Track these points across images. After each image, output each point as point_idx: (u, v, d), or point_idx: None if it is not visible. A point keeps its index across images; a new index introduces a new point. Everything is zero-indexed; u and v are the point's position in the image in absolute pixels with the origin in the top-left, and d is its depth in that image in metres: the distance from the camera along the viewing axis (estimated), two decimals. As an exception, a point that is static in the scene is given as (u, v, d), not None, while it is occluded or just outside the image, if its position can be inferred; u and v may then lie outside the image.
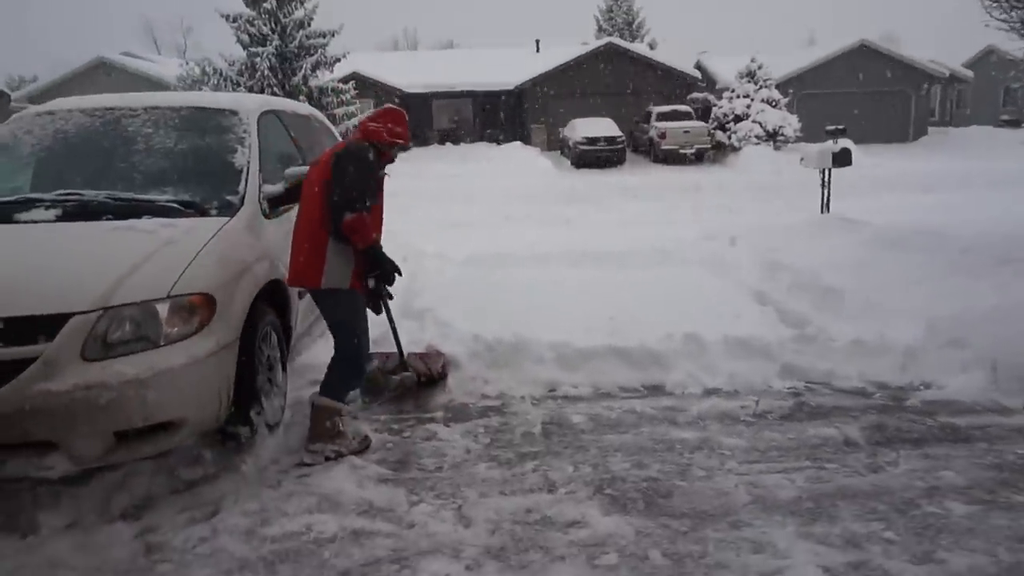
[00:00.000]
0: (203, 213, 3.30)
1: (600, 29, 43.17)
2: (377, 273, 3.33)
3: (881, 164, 18.70)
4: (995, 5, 6.38)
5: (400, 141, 3.48)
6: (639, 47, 29.79)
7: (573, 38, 36.14)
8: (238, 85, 18.87)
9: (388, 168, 3.53)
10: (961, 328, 4.25)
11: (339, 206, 3.14)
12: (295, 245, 3.33)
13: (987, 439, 3.32)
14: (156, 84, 26.54)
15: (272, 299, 3.46)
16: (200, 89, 19.92)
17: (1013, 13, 6.39)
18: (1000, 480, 2.94)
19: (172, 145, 3.72)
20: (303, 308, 4.00)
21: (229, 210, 3.37)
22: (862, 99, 26.51)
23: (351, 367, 3.37)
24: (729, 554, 2.47)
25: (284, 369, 3.64)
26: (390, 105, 3.66)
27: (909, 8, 69.36)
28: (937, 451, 3.21)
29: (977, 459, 3.12)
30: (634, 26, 43.53)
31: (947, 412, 3.64)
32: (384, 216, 3.60)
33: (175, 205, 3.28)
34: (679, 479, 3.00)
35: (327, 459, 3.17)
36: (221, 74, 19.25)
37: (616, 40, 28.93)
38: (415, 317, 5.01)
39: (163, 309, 2.72)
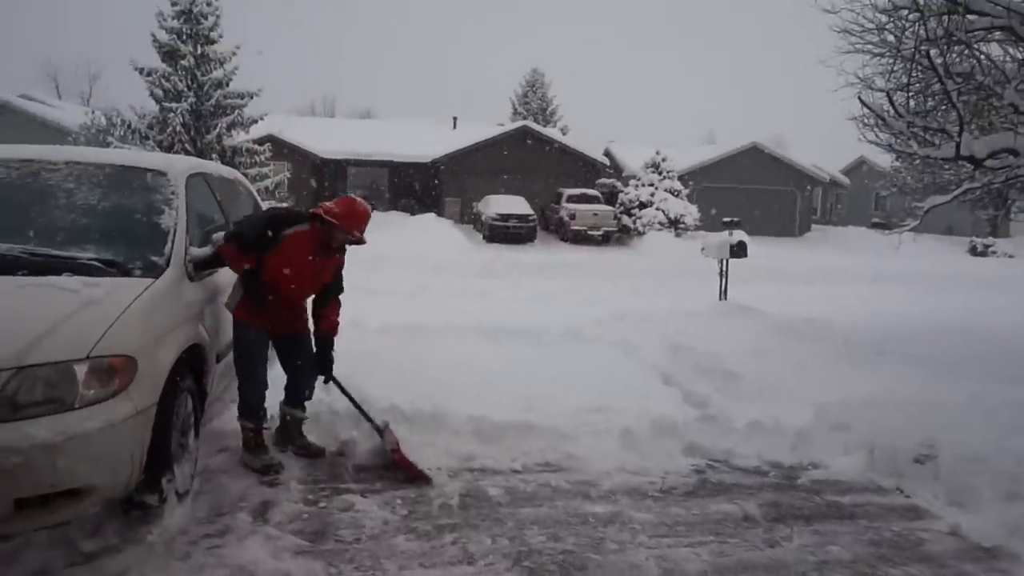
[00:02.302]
0: (127, 273, 3.24)
1: (515, 112, 45.05)
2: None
3: (772, 255, 20.11)
4: (867, 127, 7.26)
5: (332, 221, 3.64)
6: (552, 131, 31.19)
7: (489, 118, 37.56)
8: (147, 139, 18.36)
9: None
10: (844, 413, 4.66)
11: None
12: None
13: (867, 516, 3.63)
14: (56, 130, 25.47)
15: (191, 363, 3.41)
16: (105, 139, 19.25)
17: (881, 136, 7.29)
18: (879, 555, 3.22)
19: (95, 202, 3.63)
20: (219, 372, 3.94)
21: (154, 271, 3.32)
22: (754, 194, 28.77)
23: (240, 388, 3.86)
24: (641, 626, 2.58)
25: (197, 435, 3.54)
26: (351, 195, 4.06)
27: (795, 114, 76.47)
28: (825, 527, 3.48)
29: (859, 535, 3.41)
30: (547, 112, 45.67)
31: (833, 491, 3.95)
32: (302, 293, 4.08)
33: (97, 263, 3.21)
34: (593, 552, 3.11)
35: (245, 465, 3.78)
36: (129, 126, 18.67)
37: (531, 124, 30.24)
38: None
39: (81, 370, 2.64)
